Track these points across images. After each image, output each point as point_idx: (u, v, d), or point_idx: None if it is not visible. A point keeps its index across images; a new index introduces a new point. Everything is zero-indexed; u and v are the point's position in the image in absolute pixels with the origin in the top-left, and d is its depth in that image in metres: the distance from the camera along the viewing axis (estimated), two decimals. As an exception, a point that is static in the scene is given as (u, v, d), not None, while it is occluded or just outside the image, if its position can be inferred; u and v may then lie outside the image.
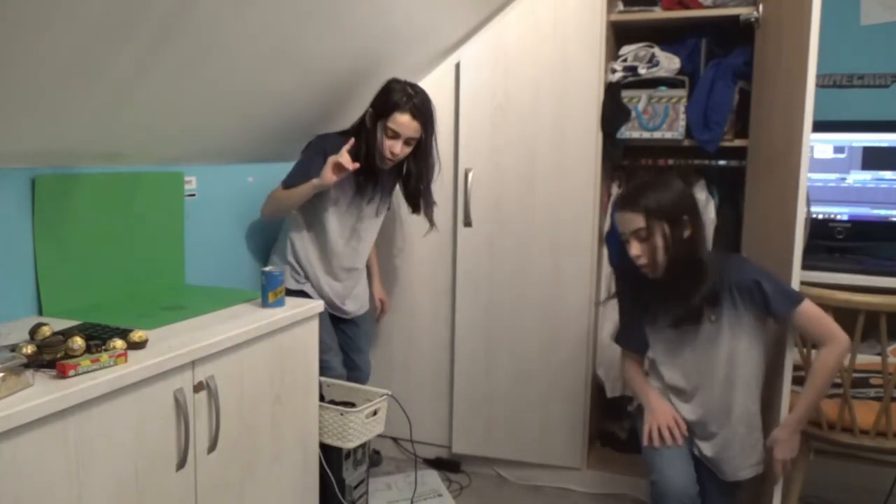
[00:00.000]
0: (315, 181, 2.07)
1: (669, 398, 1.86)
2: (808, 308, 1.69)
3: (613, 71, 2.41)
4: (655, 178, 1.93)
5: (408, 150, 2.17)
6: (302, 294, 2.20)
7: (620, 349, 2.04)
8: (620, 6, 2.44)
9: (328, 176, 2.04)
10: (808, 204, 1.81)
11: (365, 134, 2.15)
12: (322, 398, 2.10)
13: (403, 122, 2.10)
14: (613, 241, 2.52)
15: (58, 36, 1.26)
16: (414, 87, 2.15)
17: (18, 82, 1.32)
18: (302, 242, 2.24)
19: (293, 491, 1.86)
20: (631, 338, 1.96)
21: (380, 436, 2.24)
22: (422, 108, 2.13)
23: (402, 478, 2.59)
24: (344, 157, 2.02)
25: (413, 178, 2.29)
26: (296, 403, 1.84)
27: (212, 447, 1.53)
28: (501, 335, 2.58)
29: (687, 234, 1.73)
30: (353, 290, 2.37)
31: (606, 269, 2.55)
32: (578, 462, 2.54)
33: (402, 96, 2.10)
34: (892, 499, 2.12)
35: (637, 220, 1.72)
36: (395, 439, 2.76)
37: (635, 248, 1.74)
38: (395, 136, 2.12)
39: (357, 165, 2.05)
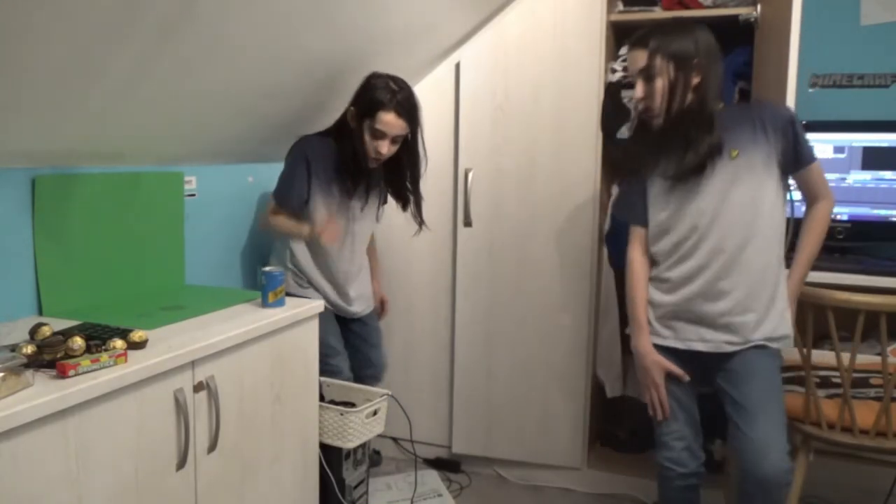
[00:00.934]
0: (306, 232, 2.06)
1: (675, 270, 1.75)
2: (817, 163, 1.72)
3: (613, 71, 2.41)
4: (675, 21, 1.80)
5: (395, 148, 2.10)
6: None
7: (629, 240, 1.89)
8: (620, 6, 2.44)
9: (328, 238, 2.07)
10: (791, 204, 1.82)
11: (348, 133, 2.08)
12: (322, 398, 2.09)
13: (389, 120, 2.02)
14: (614, 241, 2.52)
15: (58, 36, 1.26)
16: (397, 81, 2.07)
17: (19, 82, 1.32)
18: (300, 248, 2.21)
19: (293, 491, 1.86)
20: (635, 207, 1.84)
21: (380, 436, 2.24)
22: (406, 105, 2.05)
23: (402, 478, 2.59)
24: (331, 230, 2.06)
25: (400, 174, 2.21)
26: (296, 403, 1.84)
27: (212, 447, 1.53)
28: (501, 335, 2.58)
29: (695, 81, 1.65)
30: (358, 291, 2.33)
31: (606, 269, 2.55)
32: (578, 462, 2.54)
33: (386, 94, 2.02)
34: (892, 499, 2.12)
35: (641, 58, 1.66)
36: (395, 439, 2.76)
37: (638, 89, 1.68)
38: (382, 135, 2.04)
39: (336, 238, 2.09)
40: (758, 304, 1.70)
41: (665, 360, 1.78)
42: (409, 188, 2.25)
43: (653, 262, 1.83)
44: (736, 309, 1.70)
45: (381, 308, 2.56)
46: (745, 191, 1.67)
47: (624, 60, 2.42)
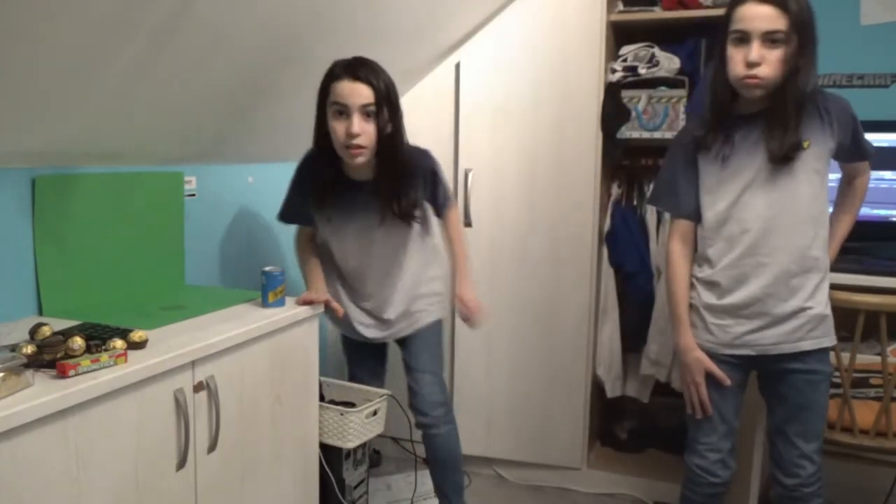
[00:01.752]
0: (314, 291, 1.92)
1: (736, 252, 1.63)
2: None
3: (613, 71, 2.41)
4: None
5: (369, 126, 1.77)
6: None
7: (671, 232, 1.76)
8: (620, 6, 2.44)
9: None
10: None
11: (327, 137, 1.83)
12: (322, 398, 2.09)
13: (344, 89, 1.74)
14: (614, 241, 2.52)
15: (58, 36, 1.26)
16: (355, 57, 1.81)
17: (19, 82, 1.32)
18: (325, 270, 2.09)
19: (293, 491, 1.86)
20: (680, 196, 1.70)
21: (380, 436, 2.24)
22: (363, 69, 1.76)
23: (402, 478, 2.59)
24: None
25: (386, 171, 1.86)
26: (296, 403, 1.84)
27: (212, 447, 1.53)
28: (501, 335, 2.58)
29: (811, 58, 1.53)
30: (400, 310, 2.04)
31: (606, 269, 2.55)
32: (578, 462, 2.54)
33: (338, 67, 1.78)
34: (892, 499, 2.12)
35: (777, 21, 1.47)
36: (395, 439, 2.76)
37: (757, 52, 1.48)
38: (345, 110, 1.75)
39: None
40: (823, 297, 1.64)
41: (707, 359, 1.67)
42: (401, 189, 1.90)
43: (705, 259, 1.69)
44: (808, 303, 1.61)
45: (465, 309, 2.05)
46: (813, 183, 1.59)
47: (624, 60, 2.42)
